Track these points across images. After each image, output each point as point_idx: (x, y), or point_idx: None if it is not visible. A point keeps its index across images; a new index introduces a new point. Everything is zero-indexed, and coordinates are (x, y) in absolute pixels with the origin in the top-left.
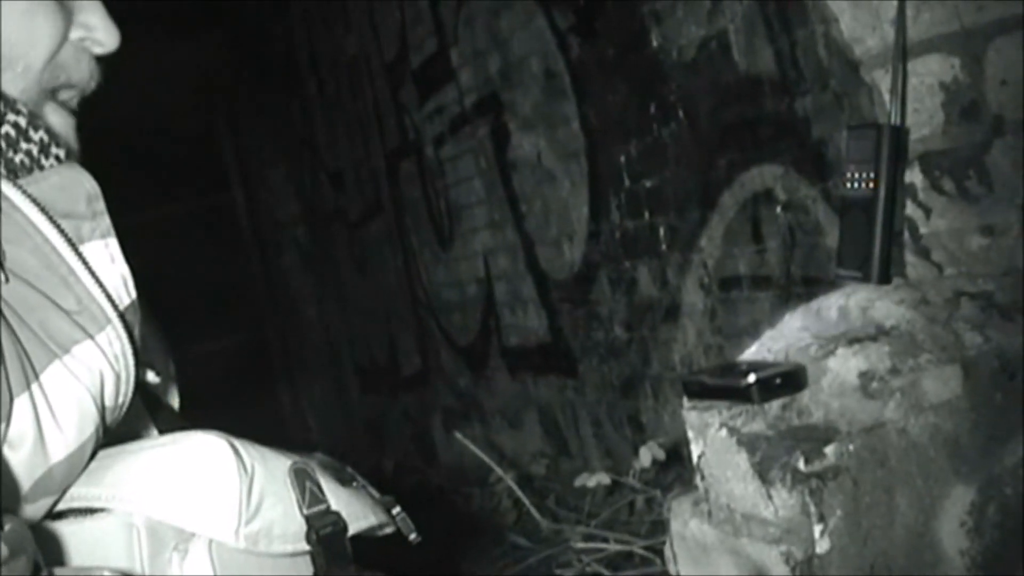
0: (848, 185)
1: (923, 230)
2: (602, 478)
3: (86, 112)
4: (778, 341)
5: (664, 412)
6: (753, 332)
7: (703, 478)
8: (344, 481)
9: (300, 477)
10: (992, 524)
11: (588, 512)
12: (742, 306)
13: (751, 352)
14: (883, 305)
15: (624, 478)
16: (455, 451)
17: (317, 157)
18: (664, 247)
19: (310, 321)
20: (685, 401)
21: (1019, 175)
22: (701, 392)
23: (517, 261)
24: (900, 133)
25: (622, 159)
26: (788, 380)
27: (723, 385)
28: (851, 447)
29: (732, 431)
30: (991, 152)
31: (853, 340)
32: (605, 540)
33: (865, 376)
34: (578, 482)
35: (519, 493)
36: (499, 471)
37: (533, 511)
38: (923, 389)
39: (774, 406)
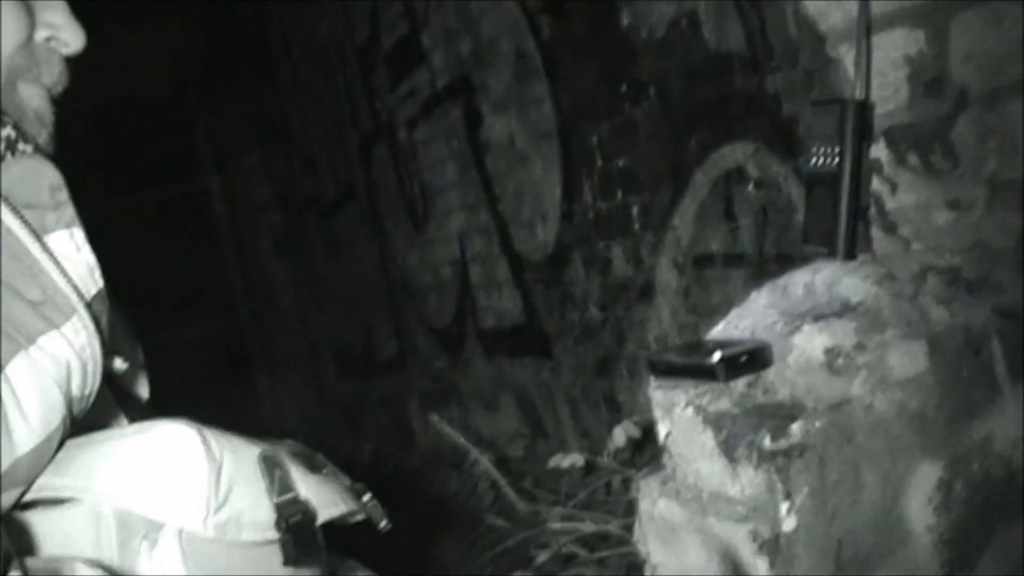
0: (813, 161)
1: (889, 205)
2: (576, 459)
3: (59, 101)
4: (745, 319)
5: (639, 391)
6: (727, 310)
7: (670, 457)
8: (315, 468)
9: (269, 465)
10: (960, 500)
11: (565, 493)
12: (716, 284)
13: (718, 330)
14: (849, 281)
15: (599, 458)
16: (432, 435)
17: (291, 142)
18: (637, 226)
19: (286, 307)
20: (651, 380)
21: (984, 149)
22: (667, 371)
23: (491, 243)
24: (864, 108)
25: (594, 139)
26: (754, 358)
27: (689, 364)
28: (817, 424)
29: (698, 409)
30: (956, 126)
31: (819, 317)
32: (582, 520)
33: (831, 353)
34: (552, 463)
35: (495, 475)
36: (476, 453)
37: (509, 492)
38: (889, 365)
39: (740, 384)
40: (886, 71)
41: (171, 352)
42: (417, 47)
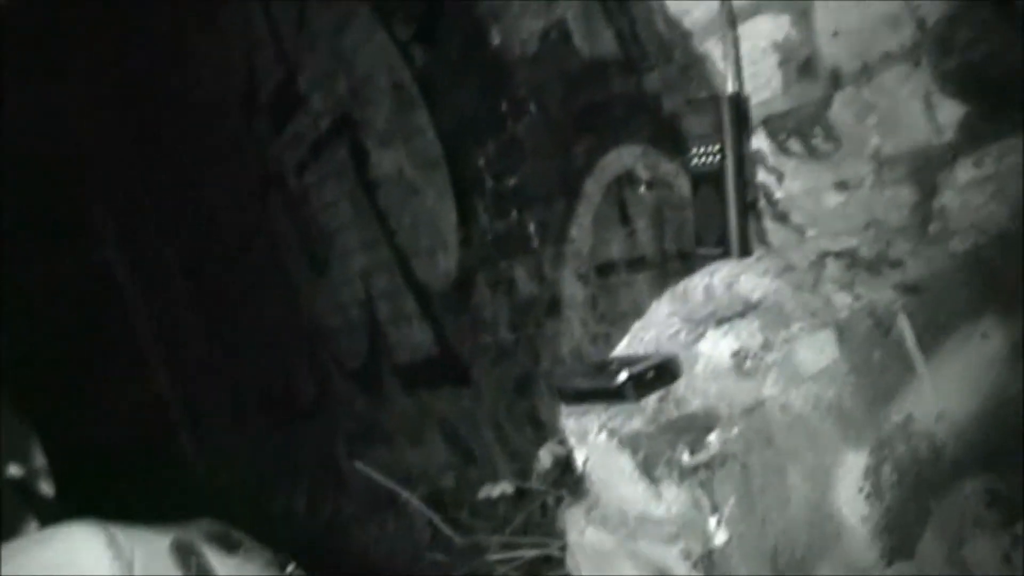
0: (695, 161)
1: (778, 195)
2: (505, 487)
3: None
4: (648, 330)
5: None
6: (637, 315)
7: (592, 484)
8: (232, 548)
9: (184, 553)
10: (889, 485)
11: (503, 518)
12: (622, 290)
13: (623, 346)
14: (748, 279)
15: (528, 483)
16: (363, 477)
17: (188, 199)
18: (536, 243)
19: (205, 362)
20: (562, 408)
21: (864, 126)
22: (576, 397)
23: (395, 277)
24: (739, 101)
25: (481, 161)
26: (661, 372)
27: (597, 388)
28: (734, 431)
29: (612, 433)
30: (833, 106)
31: (721, 320)
32: (521, 547)
33: (738, 355)
34: (482, 494)
35: (428, 512)
36: (405, 494)
37: (444, 528)
38: (799, 359)
39: (651, 400)
40: (756, 60)
41: (92, 427)
42: (295, 91)
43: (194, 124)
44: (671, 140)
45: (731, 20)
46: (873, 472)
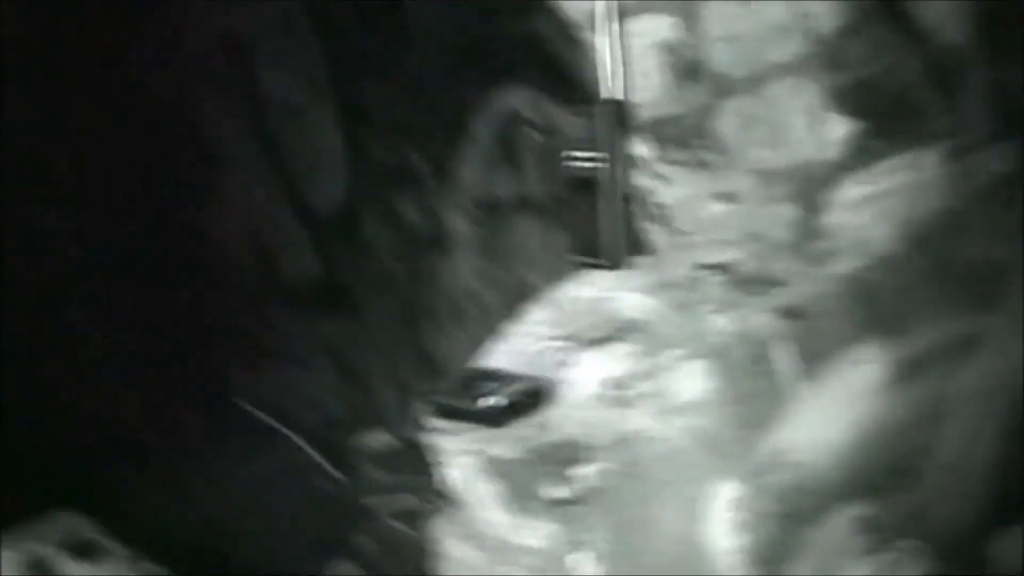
0: (573, 167)
1: (659, 201)
2: (388, 438)
3: None
4: (524, 338)
5: (447, 342)
6: (521, 254)
7: (461, 503)
8: (86, 552)
9: (34, 566)
10: (761, 515)
11: (389, 462)
12: (506, 229)
13: (498, 352)
14: (625, 294)
15: (412, 429)
16: (247, 411)
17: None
18: (424, 177)
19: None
20: (434, 423)
21: (749, 136)
22: (448, 413)
23: (282, 202)
24: (621, 105)
25: (371, 91)
26: (533, 396)
27: (468, 408)
28: (603, 463)
29: (481, 456)
30: (718, 115)
31: (595, 340)
32: (401, 494)
33: (611, 384)
34: (366, 441)
35: (309, 450)
36: (285, 431)
37: (328, 468)
38: (672, 390)
39: (522, 425)
40: (641, 60)
41: None
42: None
43: None
44: (563, 86)
45: (614, 16)
46: (745, 502)
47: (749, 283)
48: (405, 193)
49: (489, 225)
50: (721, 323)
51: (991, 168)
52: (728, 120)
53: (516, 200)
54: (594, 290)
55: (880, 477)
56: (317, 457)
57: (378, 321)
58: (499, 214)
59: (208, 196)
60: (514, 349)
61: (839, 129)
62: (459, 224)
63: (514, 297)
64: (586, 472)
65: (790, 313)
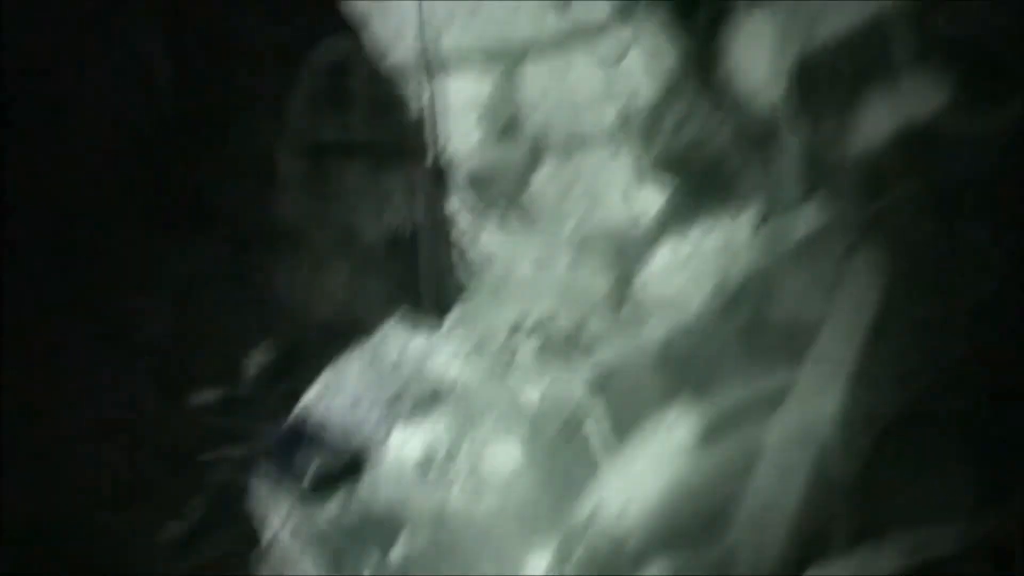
0: (391, 220)
1: (475, 257)
2: (213, 393)
3: None
4: (340, 394)
5: (278, 278)
6: (348, 199)
7: (279, 562)
8: None
9: None
10: None
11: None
12: (335, 173)
13: (313, 399)
14: (440, 356)
15: (240, 383)
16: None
17: None
18: (252, 113)
19: None
20: (253, 480)
21: (564, 200)
22: (268, 470)
23: (102, 120)
24: (437, 160)
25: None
26: (347, 468)
27: (286, 467)
28: (417, 542)
29: (294, 524)
30: (535, 176)
31: (412, 407)
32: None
33: (425, 458)
34: (193, 401)
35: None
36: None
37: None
38: (485, 466)
39: (335, 496)
40: (459, 117)
41: None
42: None
43: None
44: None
45: (432, 71)
46: (556, 570)
47: (563, 346)
48: (232, 124)
49: (316, 167)
50: (534, 389)
51: (801, 228)
52: (545, 182)
53: (343, 145)
54: (411, 349)
55: (690, 532)
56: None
57: (209, 251)
58: (328, 157)
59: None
60: (336, 401)
61: (654, 196)
62: (286, 163)
63: (343, 242)
64: (400, 552)
65: (602, 381)
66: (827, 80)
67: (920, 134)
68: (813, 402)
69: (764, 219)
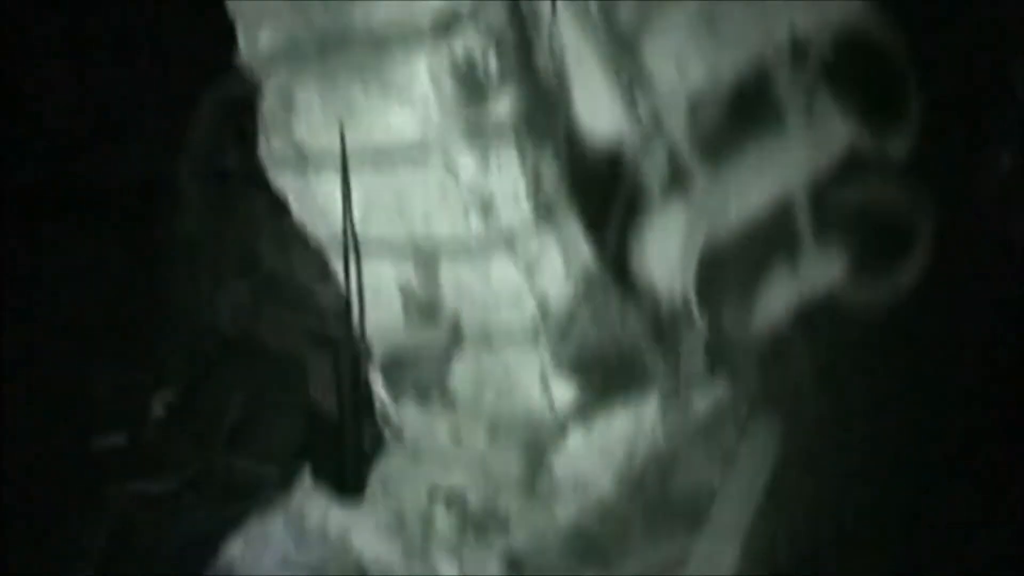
0: (312, 400)
1: (395, 425)
2: (117, 440)
3: None
4: (267, 550)
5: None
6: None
7: None
8: None
9: None
10: None
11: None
12: (238, 198)
13: (237, 552)
14: (360, 533)
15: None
16: None
17: None
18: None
19: None
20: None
21: (480, 389)
22: None
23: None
24: (354, 342)
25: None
26: None
27: None
28: None
29: None
30: (452, 361)
31: None
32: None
33: None
34: (94, 444)
35: None
36: None
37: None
38: None
39: None
40: (380, 301)
41: None
42: None
43: None
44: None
45: (351, 254)
46: None
47: (479, 520)
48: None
49: (219, 194)
50: (451, 566)
51: (702, 404)
52: (461, 371)
53: (245, 173)
54: (334, 520)
55: None
56: None
57: (114, 261)
58: (229, 184)
59: None
60: (260, 564)
61: (565, 389)
62: (189, 186)
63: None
64: None
65: (514, 563)
66: (733, 263)
67: (817, 307)
68: (709, 567)
69: (668, 399)
